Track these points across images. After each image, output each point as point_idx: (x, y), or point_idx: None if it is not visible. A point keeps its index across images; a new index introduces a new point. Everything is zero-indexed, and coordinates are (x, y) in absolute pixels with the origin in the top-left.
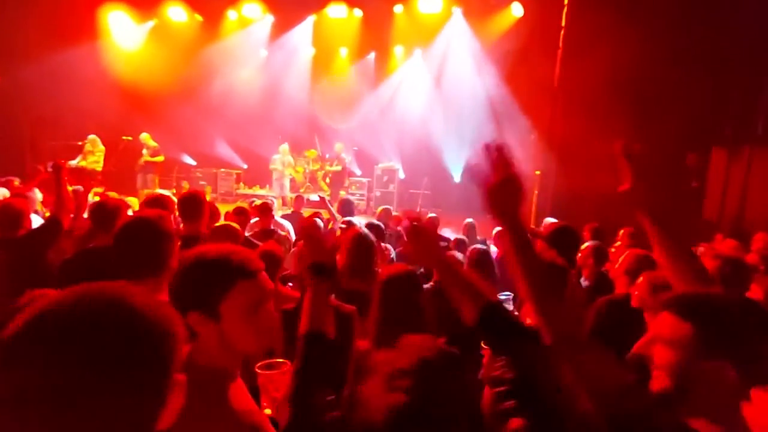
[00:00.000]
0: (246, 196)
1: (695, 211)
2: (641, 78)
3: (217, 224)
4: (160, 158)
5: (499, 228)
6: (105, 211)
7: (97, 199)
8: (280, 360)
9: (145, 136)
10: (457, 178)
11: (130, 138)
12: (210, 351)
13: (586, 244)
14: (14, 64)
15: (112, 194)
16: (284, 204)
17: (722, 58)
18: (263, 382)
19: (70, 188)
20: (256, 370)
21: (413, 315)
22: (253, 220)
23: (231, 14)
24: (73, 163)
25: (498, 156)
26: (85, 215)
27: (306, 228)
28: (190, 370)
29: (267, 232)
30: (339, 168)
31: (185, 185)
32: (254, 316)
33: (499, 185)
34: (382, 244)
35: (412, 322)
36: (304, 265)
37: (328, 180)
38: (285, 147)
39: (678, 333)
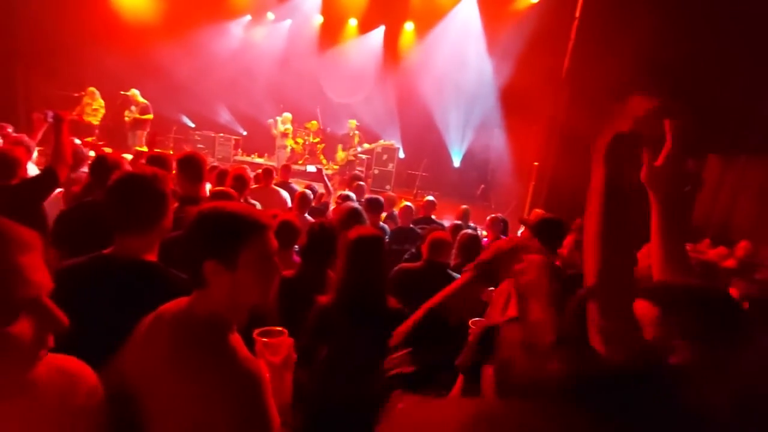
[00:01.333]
0: (244, 162)
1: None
2: (648, 79)
3: (214, 190)
4: (149, 116)
5: (493, 215)
6: (104, 167)
7: (92, 153)
8: (278, 328)
9: (134, 92)
10: (456, 162)
11: (128, 93)
12: (217, 300)
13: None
14: (9, 6)
15: (107, 150)
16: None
17: (725, 66)
18: (260, 349)
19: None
20: (255, 336)
21: (376, 274)
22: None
23: None
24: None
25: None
26: (84, 169)
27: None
28: (191, 320)
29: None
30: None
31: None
32: (266, 268)
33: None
34: (381, 225)
35: (375, 280)
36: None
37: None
38: (287, 115)
39: (649, 316)
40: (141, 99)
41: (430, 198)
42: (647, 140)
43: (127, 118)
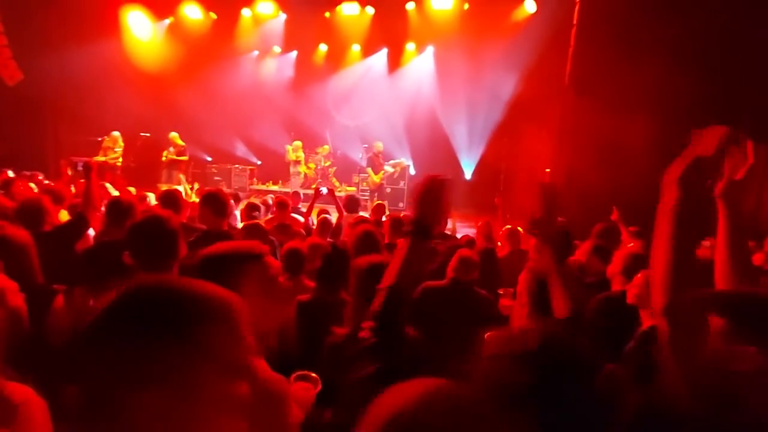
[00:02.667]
0: (260, 191)
1: (708, 211)
2: (654, 76)
3: (249, 222)
4: (184, 158)
5: (508, 227)
6: (119, 209)
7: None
8: (314, 375)
9: (173, 135)
10: (468, 174)
11: (148, 134)
12: None
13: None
14: (37, 60)
15: (131, 189)
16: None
17: (737, 58)
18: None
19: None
20: (292, 380)
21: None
22: (268, 217)
23: (245, 12)
24: (95, 159)
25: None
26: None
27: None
28: None
29: (282, 227)
30: (392, 170)
31: (195, 185)
32: (270, 292)
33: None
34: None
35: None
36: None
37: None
38: (298, 143)
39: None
40: (179, 141)
41: None
42: (716, 164)
43: (164, 158)
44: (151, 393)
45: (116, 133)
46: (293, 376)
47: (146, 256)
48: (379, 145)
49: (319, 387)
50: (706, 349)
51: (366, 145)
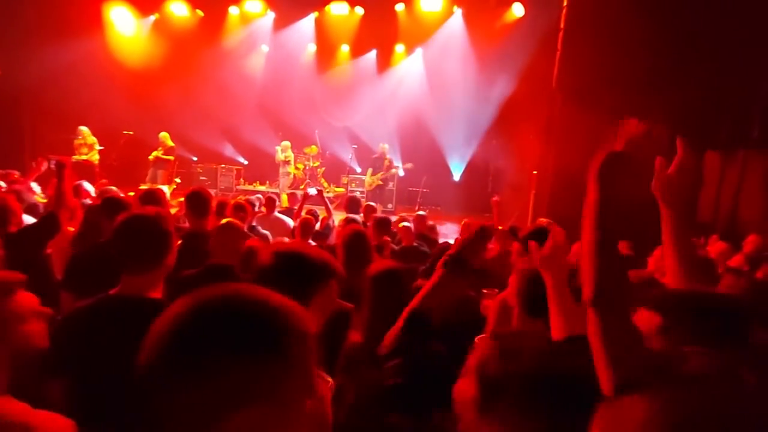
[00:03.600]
0: (246, 191)
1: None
2: (638, 80)
3: (222, 222)
4: (171, 157)
5: (500, 228)
6: (116, 207)
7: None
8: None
9: (164, 135)
10: (456, 176)
11: (131, 132)
12: None
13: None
14: (14, 56)
15: (111, 188)
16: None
17: (718, 62)
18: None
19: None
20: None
21: (401, 310)
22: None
23: (233, 10)
24: (74, 158)
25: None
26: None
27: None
28: None
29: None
30: (394, 171)
31: (176, 180)
32: (329, 307)
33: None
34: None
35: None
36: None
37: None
38: (286, 143)
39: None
40: (170, 142)
41: (422, 213)
42: (636, 159)
43: (151, 157)
44: (246, 413)
45: (84, 128)
46: None
47: (135, 256)
48: (385, 147)
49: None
50: (634, 340)
51: (355, 146)
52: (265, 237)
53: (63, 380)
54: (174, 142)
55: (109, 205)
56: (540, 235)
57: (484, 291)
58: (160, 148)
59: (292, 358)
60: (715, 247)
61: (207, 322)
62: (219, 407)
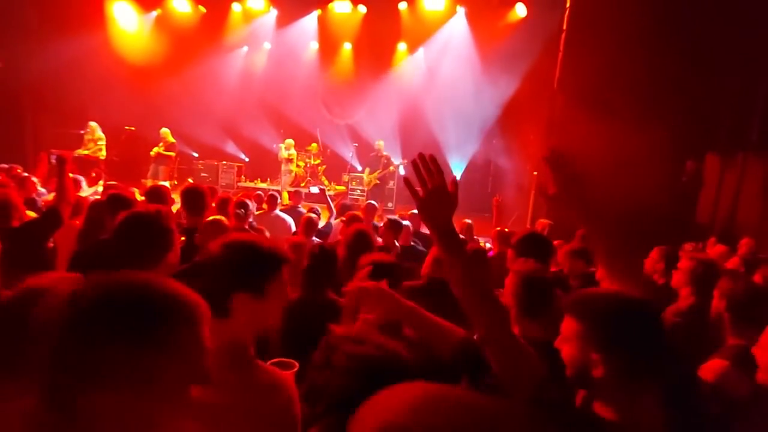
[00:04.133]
0: (247, 189)
1: (688, 214)
2: (640, 82)
3: (207, 219)
4: (172, 153)
5: (498, 229)
6: (120, 203)
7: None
8: (291, 361)
9: (165, 131)
10: (457, 176)
11: (133, 128)
12: (239, 329)
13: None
14: (16, 51)
15: (111, 183)
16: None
17: (719, 65)
18: None
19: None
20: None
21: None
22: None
23: (235, 7)
24: (77, 153)
25: (429, 167)
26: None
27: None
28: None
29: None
30: (392, 169)
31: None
32: (285, 295)
33: (431, 195)
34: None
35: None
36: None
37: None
38: (290, 141)
39: (570, 331)
40: (171, 138)
41: (415, 211)
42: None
43: (152, 153)
44: (112, 394)
45: (93, 124)
46: (270, 362)
47: (137, 254)
48: (381, 144)
49: (296, 368)
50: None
51: (356, 144)
52: (260, 233)
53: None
54: (175, 139)
55: (113, 201)
56: (532, 241)
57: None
58: (161, 144)
59: (169, 347)
60: (714, 249)
61: (91, 306)
62: (86, 383)
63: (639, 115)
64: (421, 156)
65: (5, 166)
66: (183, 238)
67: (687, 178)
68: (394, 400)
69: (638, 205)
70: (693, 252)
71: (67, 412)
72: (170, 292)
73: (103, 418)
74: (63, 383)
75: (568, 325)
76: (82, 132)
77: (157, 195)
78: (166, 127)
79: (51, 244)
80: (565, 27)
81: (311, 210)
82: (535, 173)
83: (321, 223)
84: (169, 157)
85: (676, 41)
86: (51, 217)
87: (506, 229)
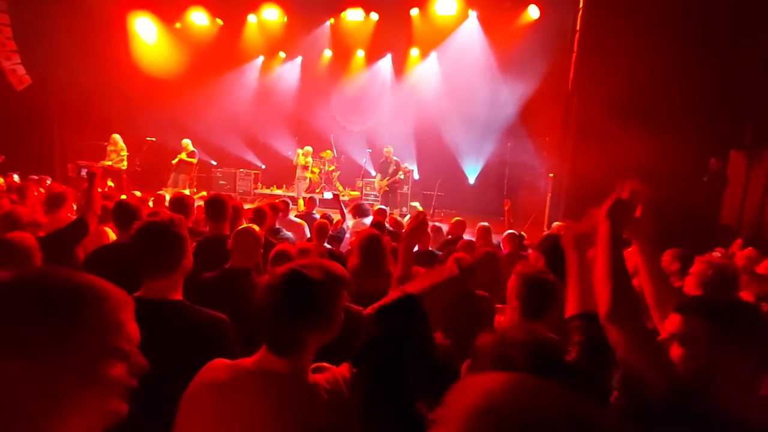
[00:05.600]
0: (264, 196)
1: (713, 215)
2: (658, 81)
3: (239, 227)
4: (193, 160)
5: (510, 231)
6: (125, 211)
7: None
8: (325, 364)
9: (186, 142)
10: (471, 179)
11: (153, 139)
12: (307, 363)
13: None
14: (46, 67)
15: (137, 193)
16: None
17: (740, 62)
18: None
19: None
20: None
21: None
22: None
23: (251, 18)
24: (100, 164)
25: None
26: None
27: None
28: (293, 383)
29: (272, 230)
30: (401, 175)
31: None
32: (342, 308)
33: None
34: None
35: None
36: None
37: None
38: (308, 149)
39: (688, 330)
40: (191, 148)
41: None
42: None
43: (174, 161)
44: (16, 363)
45: (116, 136)
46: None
47: (154, 261)
48: (389, 150)
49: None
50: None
51: (370, 150)
52: (288, 239)
53: None
54: (195, 148)
55: (119, 211)
56: (555, 246)
57: (498, 306)
58: (183, 152)
59: (84, 328)
60: (742, 253)
61: (8, 285)
62: None
63: (658, 114)
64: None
65: (35, 177)
66: (208, 245)
67: (710, 177)
68: (479, 385)
69: (661, 206)
70: (708, 255)
71: None
72: (80, 278)
73: (7, 385)
74: None
75: (683, 325)
76: (106, 144)
77: (181, 204)
78: (186, 136)
79: (80, 252)
80: (578, 28)
81: (324, 216)
82: (551, 175)
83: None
84: (190, 164)
85: (695, 37)
86: (78, 226)
87: (523, 233)
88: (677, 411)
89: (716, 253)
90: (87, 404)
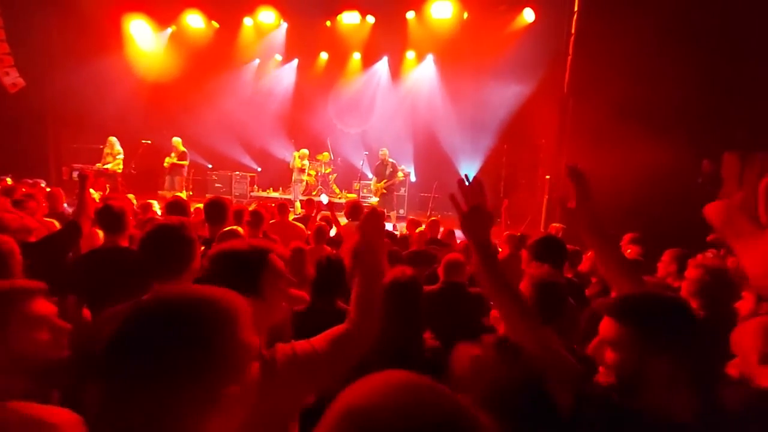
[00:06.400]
0: (260, 198)
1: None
2: (652, 83)
3: (224, 229)
4: (185, 162)
5: (508, 233)
6: (110, 215)
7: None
8: None
9: (176, 141)
10: (467, 182)
11: (149, 141)
12: None
13: (591, 252)
14: (40, 71)
15: (130, 196)
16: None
17: (734, 64)
18: None
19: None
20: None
21: (414, 317)
22: (270, 221)
23: (247, 21)
24: (96, 167)
25: (471, 188)
26: None
27: None
28: None
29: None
30: (400, 176)
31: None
32: (283, 286)
33: (471, 213)
34: None
35: (413, 323)
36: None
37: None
38: (305, 151)
39: (619, 335)
40: (181, 147)
41: (433, 218)
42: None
43: (166, 164)
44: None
45: (113, 139)
46: None
47: (163, 264)
48: (385, 152)
49: None
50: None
51: (367, 152)
52: (273, 242)
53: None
54: (190, 151)
55: (104, 213)
56: (548, 244)
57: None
58: (173, 154)
59: (209, 345)
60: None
61: (142, 313)
62: (146, 382)
63: (653, 117)
64: (465, 177)
65: (29, 180)
66: (203, 248)
67: (703, 179)
68: (363, 386)
69: (655, 208)
70: (703, 260)
71: (129, 410)
72: (210, 296)
73: (137, 413)
74: (127, 385)
75: (613, 329)
76: (101, 147)
77: (178, 207)
78: (182, 139)
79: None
80: (573, 31)
81: (324, 218)
82: (548, 177)
83: (332, 232)
84: (182, 166)
85: (689, 40)
86: (71, 229)
87: (519, 234)
88: (597, 416)
89: (708, 254)
90: (207, 424)
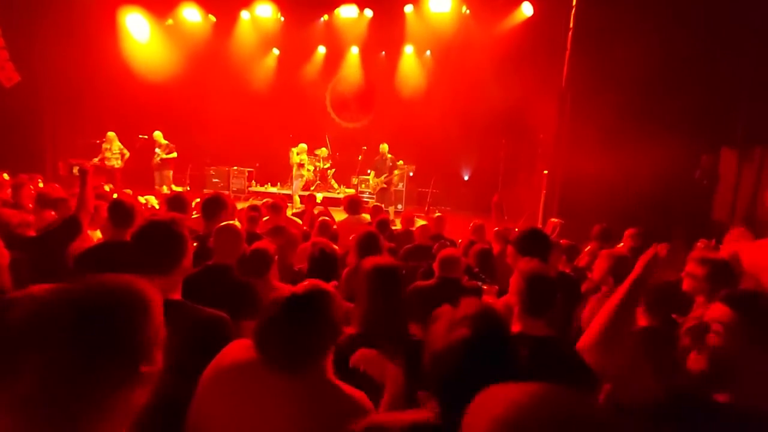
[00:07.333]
0: (258, 193)
1: (705, 211)
2: (650, 79)
3: (220, 225)
4: (174, 155)
5: (496, 229)
6: (122, 210)
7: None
8: None
9: (157, 134)
10: (465, 176)
11: (146, 136)
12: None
13: (588, 247)
14: (35, 64)
15: (127, 191)
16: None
17: (733, 58)
18: None
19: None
20: None
21: (396, 304)
22: (264, 218)
23: (244, 14)
24: (93, 162)
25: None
26: None
27: None
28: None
29: (278, 229)
30: (397, 172)
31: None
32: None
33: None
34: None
35: (395, 310)
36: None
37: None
38: (303, 146)
39: (730, 319)
40: (163, 140)
41: (438, 215)
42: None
43: (156, 160)
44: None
45: (111, 134)
46: None
47: (154, 261)
48: (384, 147)
49: None
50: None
51: (365, 147)
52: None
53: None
54: (186, 145)
55: (115, 208)
56: (532, 237)
57: (485, 287)
58: (158, 150)
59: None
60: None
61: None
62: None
63: (651, 112)
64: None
65: (26, 176)
66: (195, 244)
67: (701, 174)
68: (505, 396)
69: (652, 202)
70: (704, 251)
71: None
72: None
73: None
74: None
75: (726, 314)
76: (98, 141)
77: (178, 203)
78: (177, 133)
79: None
80: (572, 25)
81: (323, 213)
82: (546, 172)
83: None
84: (171, 160)
85: (687, 35)
86: (71, 225)
87: (503, 228)
88: (684, 409)
89: (700, 244)
90: (127, 400)
